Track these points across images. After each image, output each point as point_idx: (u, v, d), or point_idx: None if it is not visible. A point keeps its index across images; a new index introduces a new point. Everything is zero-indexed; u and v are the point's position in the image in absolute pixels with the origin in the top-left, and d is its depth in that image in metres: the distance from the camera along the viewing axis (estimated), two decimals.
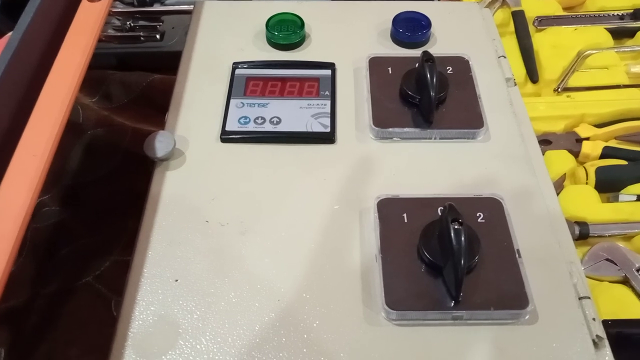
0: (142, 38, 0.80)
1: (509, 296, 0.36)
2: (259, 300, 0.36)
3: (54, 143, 0.36)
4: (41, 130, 0.35)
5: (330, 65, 0.51)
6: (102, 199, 0.68)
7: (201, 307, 0.36)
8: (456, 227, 0.35)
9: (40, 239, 0.64)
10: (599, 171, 0.62)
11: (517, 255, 0.38)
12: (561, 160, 0.64)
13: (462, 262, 0.34)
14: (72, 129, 0.73)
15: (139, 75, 0.78)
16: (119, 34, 0.81)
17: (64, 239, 0.64)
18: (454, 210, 0.36)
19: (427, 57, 0.45)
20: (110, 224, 0.65)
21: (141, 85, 0.78)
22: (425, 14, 0.54)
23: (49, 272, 0.62)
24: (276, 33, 0.52)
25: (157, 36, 0.80)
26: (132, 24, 0.81)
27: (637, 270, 0.55)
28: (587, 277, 0.55)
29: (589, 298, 0.37)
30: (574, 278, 0.38)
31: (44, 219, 0.66)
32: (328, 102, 0.48)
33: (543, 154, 0.64)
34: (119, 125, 0.74)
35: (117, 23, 0.81)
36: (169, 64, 0.57)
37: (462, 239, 0.34)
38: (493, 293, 0.36)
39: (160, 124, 0.48)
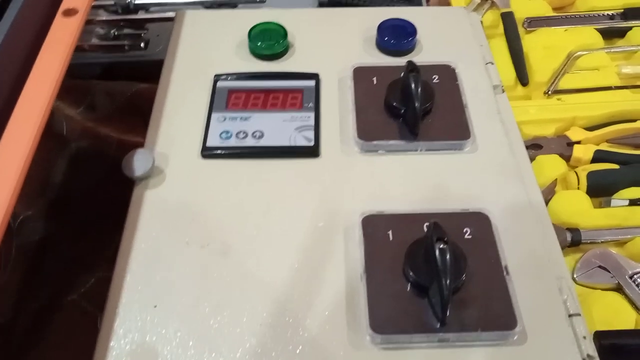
0: (126, 47, 0.79)
1: (497, 316, 0.35)
2: (240, 325, 0.35)
3: (23, 167, 0.35)
4: (11, 156, 0.34)
5: (314, 76, 0.49)
6: (88, 213, 0.66)
7: (181, 334, 0.35)
8: (441, 246, 0.34)
9: (25, 255, 0.63)
10: (591, 176, 0.61)
11: (505, 273, 0.37)
12: (552, 165, 0.63)
13: (448, 283, 0.33)
14: (57, 141, 0.72)
15: (124, 84, 0.77)
16: (103, 43, 0.80)
17: (50, 254, 0.63)
18: (439, 228, 0.35)
19: (411, 67, 0.44)
20: (96, 238, 0.64)
21: (126, 94, 0.76)
22: (412, 20, 0.53)
23: (34, 288, 0.61)
24: (259, 43, 0.51)
25: (142, 44, 0.78)
26: (116, 33, 0.80)
27: (631, 277, 0.54)
28: (579, 284, 0.55)
29: (580, 315, 0.36)
30: (563, 294, 0.37)
31: (29, 235, 0.65)
32: (312, 115, 0.47)
33: (534, 159, 0.64)
34: (104, 137, 0.73)
35: (101, 32, 0.80)
36: (154, 72, 0.55)
37: (448, 259, 0.33)
38: (481, 313, 0.35)
39: (145, 135, 0.47)
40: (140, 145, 0.47)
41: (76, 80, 0.76)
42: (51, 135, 0.70)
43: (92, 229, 0.65)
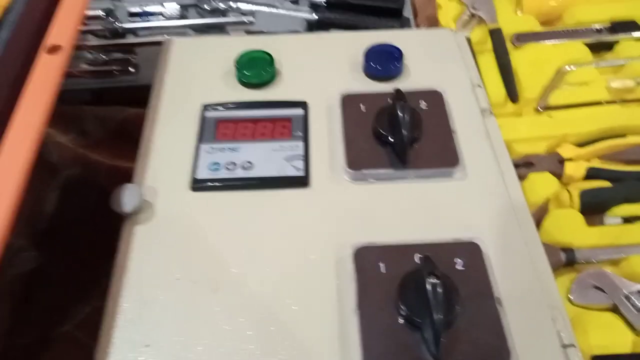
0: (115, 72, 0.78)
1: (490, 349, 0.34)
2: None
3: (13, 208, 0.35)
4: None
5: (303, 104, 0.49)
6: (80, 242, 0.66)
7: None
8: (433, 281, 0.34)
9: (17, 286, 0.62)
10: (584, 194, 0.61)
11: (497, 304, 0.36)
12: (544, 183, 0.63)
13: (440, 318, 0.33)
14: (47, 170, 0.72)
15: (114, 109, 0.76)
16: (92, 68, 0.79)
17: (42, 285, 0.63)
18: (430, 262, 0.35)
19: (398, 95, 0.44)
20: (89, 267, 0.63)
21: (117, 119, 0.76)
22: (398, 43, 0.53)
23: (26, 321, 0.60)
24: (246, 72, 0.51)
25: (131, 69, 0.78)
26: (105, 58, 0.79)
27: (626, 297, 0.53)
28: (575, 305, 0.55)
29: (574, 346, 0.36)
30: (557, 324, 0.36)
31: (21, 265, 0.64)
32: (301, 144, 0.47)
33: (526, 177, 0.64)
34: (95, 163, 0.73)
35: (90, 57, 0.80)
36: (144, 97, 0.55)
37: (439, 293, 0.33)
38: (474, 347, 0.34)
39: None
40: (131, 171, 0.47)
41: (66, 106, 0.76)
42: (41, 164, 0.69)
43: (84, 257, 0.65)
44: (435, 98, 0.48)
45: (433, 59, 0.54)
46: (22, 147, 0.37)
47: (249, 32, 0.76)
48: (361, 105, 0.48)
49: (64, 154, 0.72)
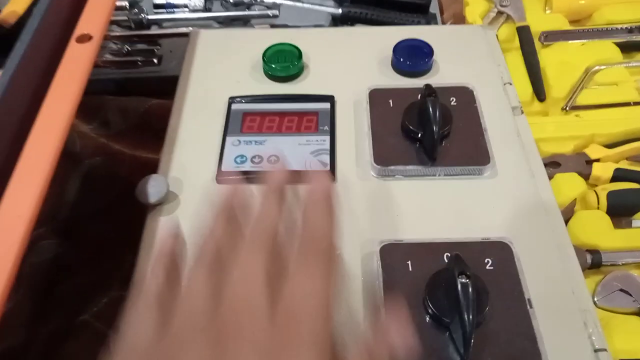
0: (139, 63, 0.78)
1: (520, 352, 0.34)
2: None
3: (39, 198, 0.35)
4: (25, 188, 0.34)
5: (330, 99, 0.49)
6: (100, 232, 0.66)
7: None
8: (463, 280, 0.33)
9: (37, 275, 0.63)
10: (611, 196, 0.59)
11: (528, 306, 0.36)
12: (571, 183, 0.62)
13: (471, 318, 0.32)
14: (69, 159, 0.72)
15: (137, 100, 0.76)
16: (116, 58, 0.79)
17: (62, 274, 0.63)
18: (460, 261, 0.34)
19: (429, 91, 0.43)
20: (109, 257, 0.64)
21: (139, 110, 0.76)
22: (428, 39, 0.52)
23: (47, 310, 0.61)
24: (273, 65, 0.50)
25: (155, 60, 0.78)
26: (129, 48, 0.79)
27: None
28: (600, 308, 0.54)
29: (606, 350, 0.35)
30: (589, 328, 0.36)
31: (41, 254, 0.65)
32: (327, 138, 0.46)
33: (552, 177, 0.63)
34: (117, 153, 0.73)
35: (114, 47, 0.80)
36: (167, 88, 0.55)
37: (470, 294, 0.33)
38: (504, 349, 0.34)
39: (158, 151, 0.47)
40: (153, 162, 0.47)
41: (89, 96, 0.76)
42: (64, 152, 0.70)
43: (103, 247, 0.65)
44: (465, 94, 0.47)
45: (462, 56, 0.53)
46: (49, 137, 0.37)
47: (273, 26, 0.75)
48: (389, 101, 0.47)
49: (86, 144, 0.72)
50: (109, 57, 0.80)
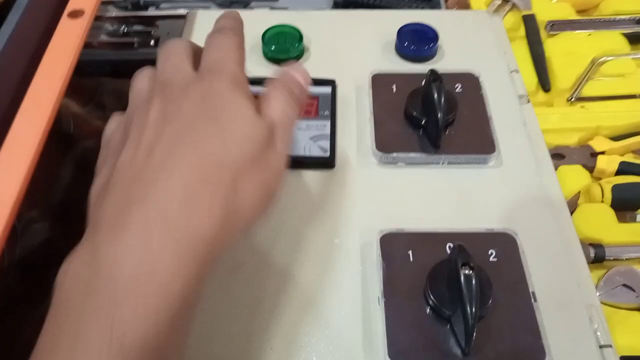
0: (136, 44, 0.77)
1: (524, 347, 0.32)
2: (249, 350, 0.34)
3: (28, 171, 0.33)
4: (16, 159, 0.32)
5: (331, 83, 0.47)
6: None
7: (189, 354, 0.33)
8: (466, 272, 0.32)
9: (28, 259, 0.61)
10: (616, 189, 0.58)
11: (532, 299, 0.34)
12: (575, 176, 0.61)
13: (473, 311, 0.31)
14: (64, 141, 0.70)
15: None
16: (112, 40, 0.78)
17: (54, 258, 0.62)
18: (464, 252, 0.33)
19: (434, 76, 0.41)
20: None
21: None
22: (432, 24, 0.50)
23: (38, 293, 0.59)
24: (273, 47, 0.49)
25: (152, 42, 0.76)
26: (125, 30, 0.78)
27: None
28: (602, 303, 0.52)
29: (611, 346, 0.34)
30: (594, 324, 0.35)
31: (33, 237, 0.63)
32: (328, 123, 0.45)
33: (556, 169, 0.61)
34: None
35: (110, 29, 0.78)
36: None
37: (474, 285, 0.31)
38: (507, 344, 0.33)
39: None
40: None
41: (84, 77, 0.75)
42: (57, 134, 0.68)
43: None
44: (471, 81, 0.46)
45: (468, 42, 0.51)
46: (37, 116, 0.36)
47: (273, 9, 0.74)
48: (393, 86, 0.46)
49: (81, 126, 0.71)
50: (104, 38, 0.78)
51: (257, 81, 0.47)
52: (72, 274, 0.26)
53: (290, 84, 0.35)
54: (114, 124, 0.36)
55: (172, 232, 0.25)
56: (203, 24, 0.54)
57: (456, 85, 0.46)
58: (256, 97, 0.45)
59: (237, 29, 0.36)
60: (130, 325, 0.23)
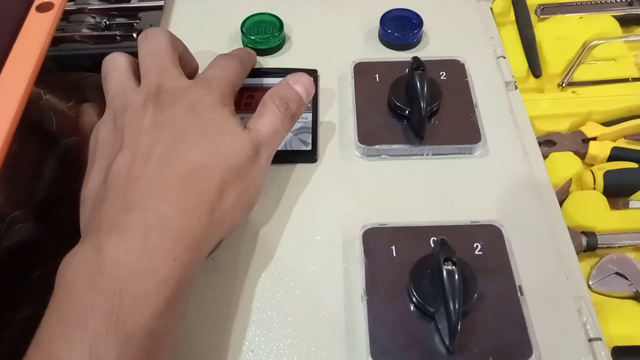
0: (118, 37, 0.75)
1: (510, 343, 0.32)
2: (226, 352, 0.33)
3: None
4: None
5: (312, 73, 0.46)
6: (78, 213, 0.63)
7: None
8: (449, 268, 0.31)
9: (13, 259, 0.60)
10: (608, 175, 0.57)
11: (519, 293, 0.33)
12: (566, 163, 0.60)
13: (456, 308, 0.30)
14: (46, 138, 0.69)
15: None
16: (94, 33, 0.76)
17: (38, 258, 0.60)
18: (446, 247, 0.32)
19: (417, 64, 0.40)
20: None
21: None
22: (417, 10, 0.49)
23: (22, 294, 0.58)
24: (252, 37, 0.47)
25: (134, 35, 0.75)
26: (107, 22, 0.76)
27: None
28: (595, 292, 0.52)
29: (600, 339, 0.33)
30: (583, 316, 0.34)
31: (17, 237, 0.62)
32: (309, 115, 0.43)
33: (547, 156, 0.61)
34: None
35: (92, 21, 0.76)
36: None
37: (456, 281, 0.30)
38: (492, 340, 0.32)
39: None
40: None
41: (66, 72, 0.73)
42: (39, 132, 0.67)
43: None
44: (456, 68, 0.45)
45: (454, 27, 0.50)
46: (5, 110, 0.34)
47: None
48: (375, 75, 0.44)
49: (63, 122, 0.69)
50: (86, 31, 0.76)
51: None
52: (76, 269, 0.28)
53: (289, 98, 0.37)
54: (93, 115, 0.41)
55: (168, 234, 0.29)
56: (180, 13, 0.52)
57: (441, 73, 0.44)
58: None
59: (246, 60, 0.41)
60: (133, 314, 0.27)
